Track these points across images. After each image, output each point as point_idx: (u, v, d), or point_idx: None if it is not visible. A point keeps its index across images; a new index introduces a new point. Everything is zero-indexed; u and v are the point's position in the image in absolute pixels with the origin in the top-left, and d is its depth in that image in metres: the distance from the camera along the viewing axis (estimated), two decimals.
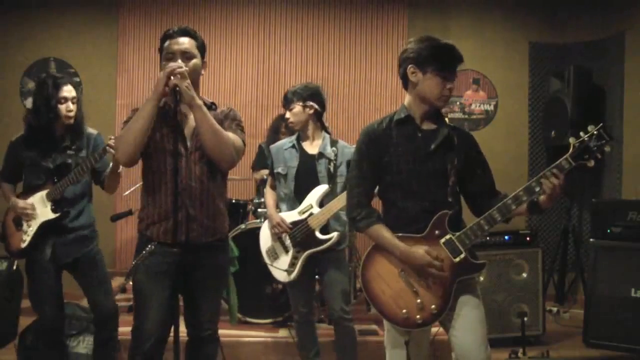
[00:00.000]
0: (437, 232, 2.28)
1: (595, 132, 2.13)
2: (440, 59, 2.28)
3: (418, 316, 2.26)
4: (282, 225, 3.31)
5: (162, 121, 2.46)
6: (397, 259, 2.28)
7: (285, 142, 3.50)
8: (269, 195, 3.52)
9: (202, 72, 2.58)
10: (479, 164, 2.41)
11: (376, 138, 2.35)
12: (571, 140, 2.17)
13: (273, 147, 3.53)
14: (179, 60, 2.44)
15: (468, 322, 2.28)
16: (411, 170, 2.30)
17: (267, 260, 3.43)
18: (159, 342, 2.45)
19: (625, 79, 5.08)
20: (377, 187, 2.43)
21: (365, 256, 2.37)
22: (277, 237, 3.38)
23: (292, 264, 3.31)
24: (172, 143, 2.41)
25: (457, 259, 2.25)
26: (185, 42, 2.49)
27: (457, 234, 2.26)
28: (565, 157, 2.16)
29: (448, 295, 2.25)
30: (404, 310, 2.26)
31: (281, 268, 3.35)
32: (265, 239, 3.47)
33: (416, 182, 2.30)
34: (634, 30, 5.03)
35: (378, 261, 2.33)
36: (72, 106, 3.13)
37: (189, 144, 2.50)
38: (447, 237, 2.27)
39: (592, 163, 2.14)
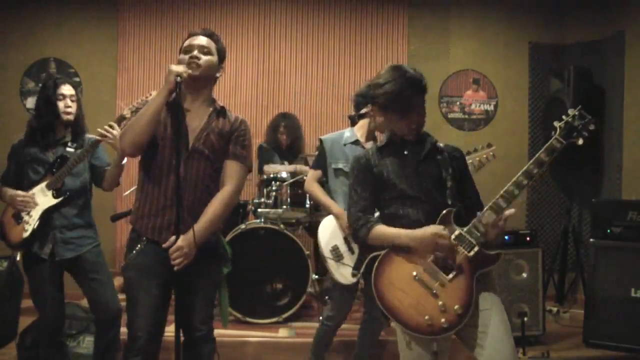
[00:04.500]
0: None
1: (576, 113, 2.32)
2: (396, 104, 2.29)
3: (443, 319, 2.16)
4: None
5: (169, 118, 2.47)
6: (408, 264, 2.24)
7: (341, 136, 3.41)
8: (320, 190, 3.40)
9: (219, 74, 2.61)
10: (466, 179, 2.45)
11: (366, 161, 2.39)
12: (555, 123, 2.33)
13: (326, 140, 3.42)
14: (195, 52, 2.48)
15: (494, 337, 2.18)
16: (406, 182, 2.32)
17: (330, 258, 3.28)
18: (152, 339, 2.45)
19: (625, 79, 5.07)
20: (376, 209, 2.43)
21: (375, 269, 2.30)
22: (343, 236, 3.29)
23: (357, 267, 3.21)
24: (175, 141, 2.43)
25: (472, 253, 2.22)
26: (205, 40, 2.55)
27: (466, 228, 2.25)
28: (554, 137, 2.29)
29: (470, 292, 2.19)
30: (427, 317, 2.17)
31: (347, 270, 3.24)
32: (329, 237, 3.32)
33: (414, 190, 2.31)
34: (634, 30, 5.03)
35: (389, 270, 2.27)
36: (70, 103, 3.22)
37: (190, 144, 2.50)
38: (457, 232, 2.25)
39: (580, 141, 2.29)
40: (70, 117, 3.22)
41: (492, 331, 2.19)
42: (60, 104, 3.19)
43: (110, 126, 3.12)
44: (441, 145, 2.43)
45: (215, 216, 2.50)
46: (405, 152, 2.36)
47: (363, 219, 2.35)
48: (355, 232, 2.37)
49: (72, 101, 3.22)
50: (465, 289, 2.20)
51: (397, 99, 2.26)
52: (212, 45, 2.56)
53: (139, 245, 2.47)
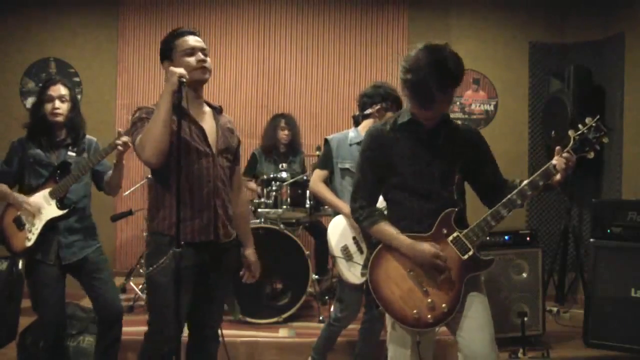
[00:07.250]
0: (444, 230, 2.28)
1: (593, 125, 2.19)
2: (417, 96, 2.19)
3: (429, 315, 2.24)
4: None
5: (179, 120, 2.39)
6: (405, 258, 2.27)
7: (346, 136, 3.39)
8: (327, 190, 3.37)
9: None
10: (487, 159, 2.42)
11: (381, 141, 2.34)
12: (570, 133, 2.21)
13: (332, 139, 3.41)
14: (201, 55, 2.47)
15: (475, 323, 2.26)
16: (416, 171, 2.30)
17: (341, 258, 3.27)
18: (178, 344, 2.43)
19: (625, 79, 5.07)
20: (382, 190, 2.42)
21: (372, 258, 2.35)
22: (352, 236, 3.29)
23: (366, 266, 3.16)
24: (199, 143, 2.45)
25: (466, 257, 2.25)
26: (201, 40, 2.53)
27: (464, 231, 2.26)
28: (567, 149, 2.19)
29: (458, 293, 2.25)
30: (415, 311, 2.24)
31: (357, 269, 3.24)
32: (340, 236, 3.31)
33: (421, 182, 2.30)
34: (634, 30, 5.03)
35: (386, 262, 2.31)
36: (59, 104, 3.11)
37: (212, 144, 2.51)
38: (455, 234, 2.27)
39: (592, 155, 2.19)
40: (59, 119, 3.12)
41: (475, 319, 2.27)
42: (48, 106, 3.10)
43: (122, 140, 2.90)
44: (458, 124, 2.39)
45: (249, 219, 2.62)
46: (425, 136, 2.30)
47: (367, 209, 2.36)
48: (359, 221, 2.39)
49: (62, 102, 3.11)
50: (454, 289, 2.25)
51: (417, 90, 2.16)
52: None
53: (173, 250, 2.34)
